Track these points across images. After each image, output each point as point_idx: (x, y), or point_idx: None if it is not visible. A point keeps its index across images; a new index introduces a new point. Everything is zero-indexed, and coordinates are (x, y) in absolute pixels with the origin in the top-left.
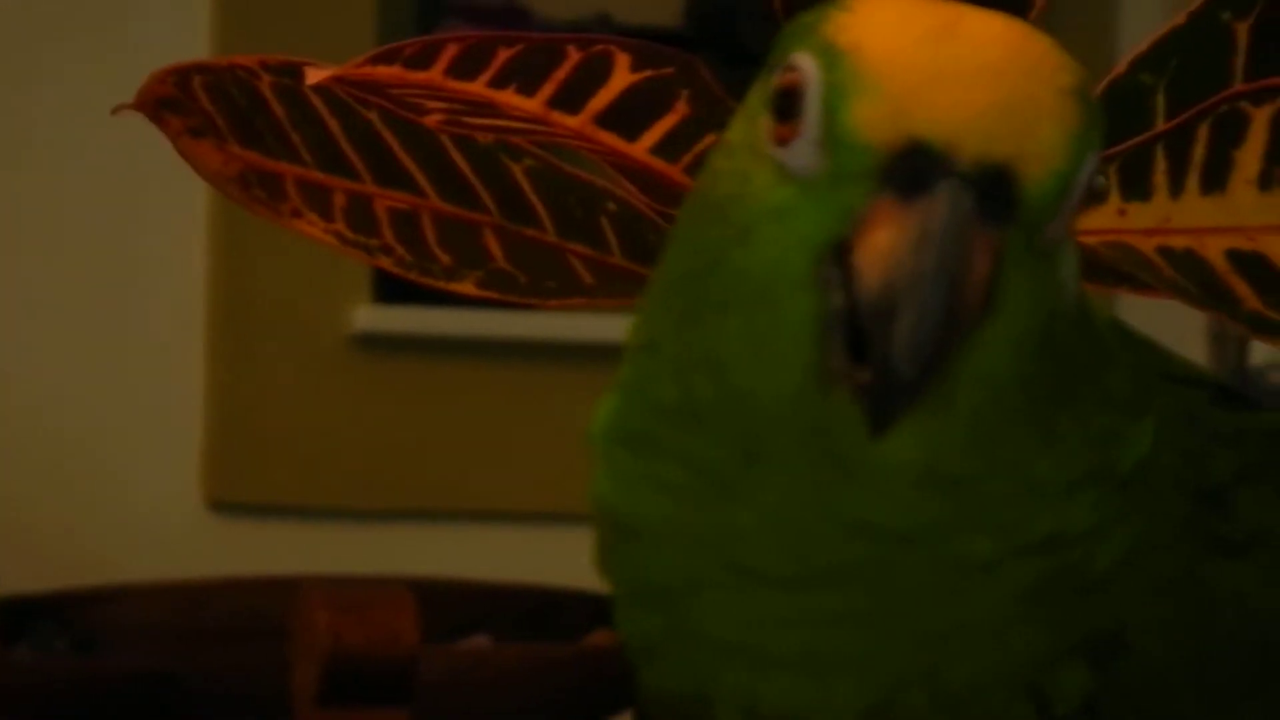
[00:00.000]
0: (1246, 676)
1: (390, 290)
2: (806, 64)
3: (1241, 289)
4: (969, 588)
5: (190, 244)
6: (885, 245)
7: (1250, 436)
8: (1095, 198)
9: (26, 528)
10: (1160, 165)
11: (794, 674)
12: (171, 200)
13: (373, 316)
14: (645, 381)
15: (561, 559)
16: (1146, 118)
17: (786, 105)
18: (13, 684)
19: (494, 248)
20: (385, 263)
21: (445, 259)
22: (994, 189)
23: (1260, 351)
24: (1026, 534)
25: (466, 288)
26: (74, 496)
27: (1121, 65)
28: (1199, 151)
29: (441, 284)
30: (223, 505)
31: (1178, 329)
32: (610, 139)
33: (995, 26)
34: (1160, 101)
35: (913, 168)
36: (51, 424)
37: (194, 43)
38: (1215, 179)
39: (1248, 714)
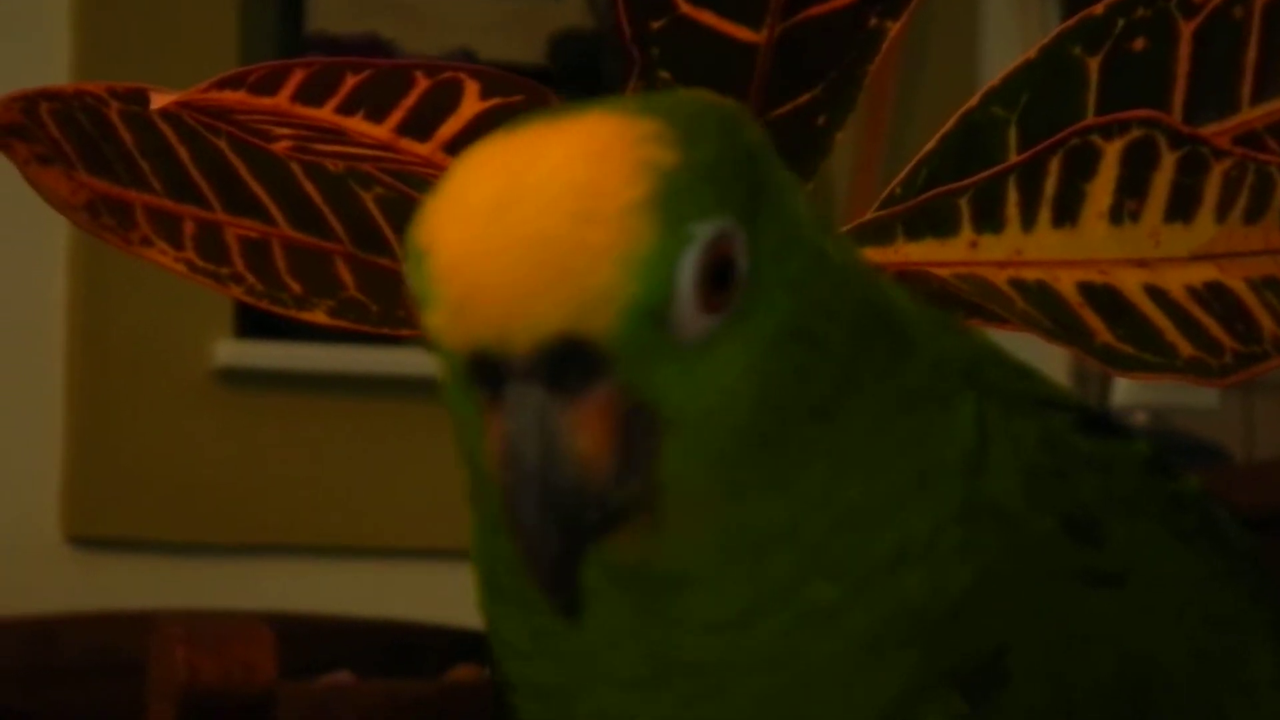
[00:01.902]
0: (1122, 715)
1: (252, 324)
2: (408, 270)
3: (1094, 321)
4: (809, 642)
5: (50, 273)
6: (489, 451)
7: (1121, 465)
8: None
9: None
10: (1013, 198)
11: None
12: (31, 229)
13: (234, 351)
14: (475, 526)
15: (422, 594)
16: (1000, 151)
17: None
18: None
19: (345, 276)
20: (236, 291)
21: (296, 287)
22: (566, 359)
23: (1123, 391)
24: (868, 560)
25: (318, 317)
26: None
27: (975, 99)
28: (1051, 185)
29: (293, 313)
30: (81, 539)
31: (1039, 366)
32: None
33: (558, 159)
34: (1013, 134)
35: (483, 373)
36: None
37: (53, 72)
38: (1067, 212)
39: None
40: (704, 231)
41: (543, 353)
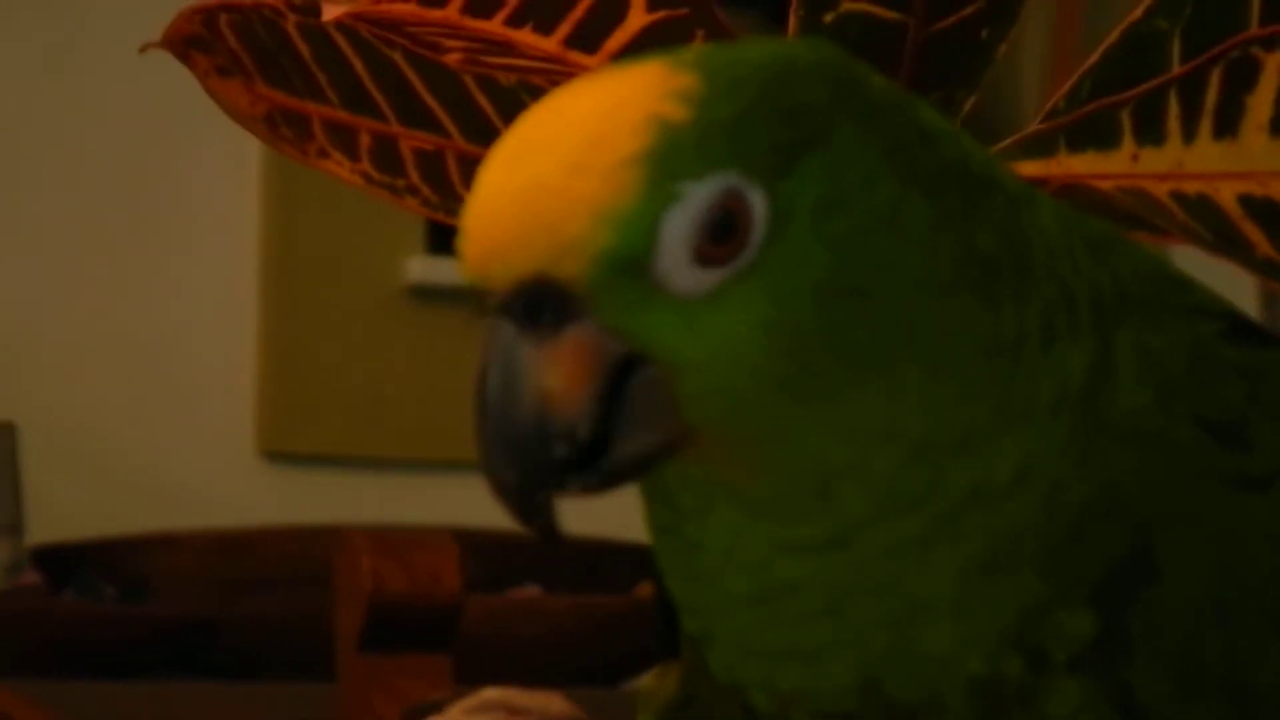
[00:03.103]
0: (1272, 617)
1: (443, 241)
2: None
3: (1254, 234)
4: (909, 569)
5: (244, 195)
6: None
7: (1271, 372)
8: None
9: (80, 475)
10: (1174, 110)
11: (792, 663)
12: (225, 150)
13: (425, 267)
14: None
15: (612, 512)
16: (1162, 63)
17: None
18: (58, 629)
19: None
20: (411, 203)
21: None
22: (540, 301)
23: None
24: (946, 495)
25: None
26: (129, 445)
27: (1138, 11)
28: (1211, 97)
29: None
30: (275, 455)
31: (1228, 290)
32: None
33: (580, 111)
34: (1175, 46)
35: (478, 302)
36: (106, 372)
37: None
38: (1227, 124)
39: (1274, 657)
40: (698, 189)
41: (516, 291)
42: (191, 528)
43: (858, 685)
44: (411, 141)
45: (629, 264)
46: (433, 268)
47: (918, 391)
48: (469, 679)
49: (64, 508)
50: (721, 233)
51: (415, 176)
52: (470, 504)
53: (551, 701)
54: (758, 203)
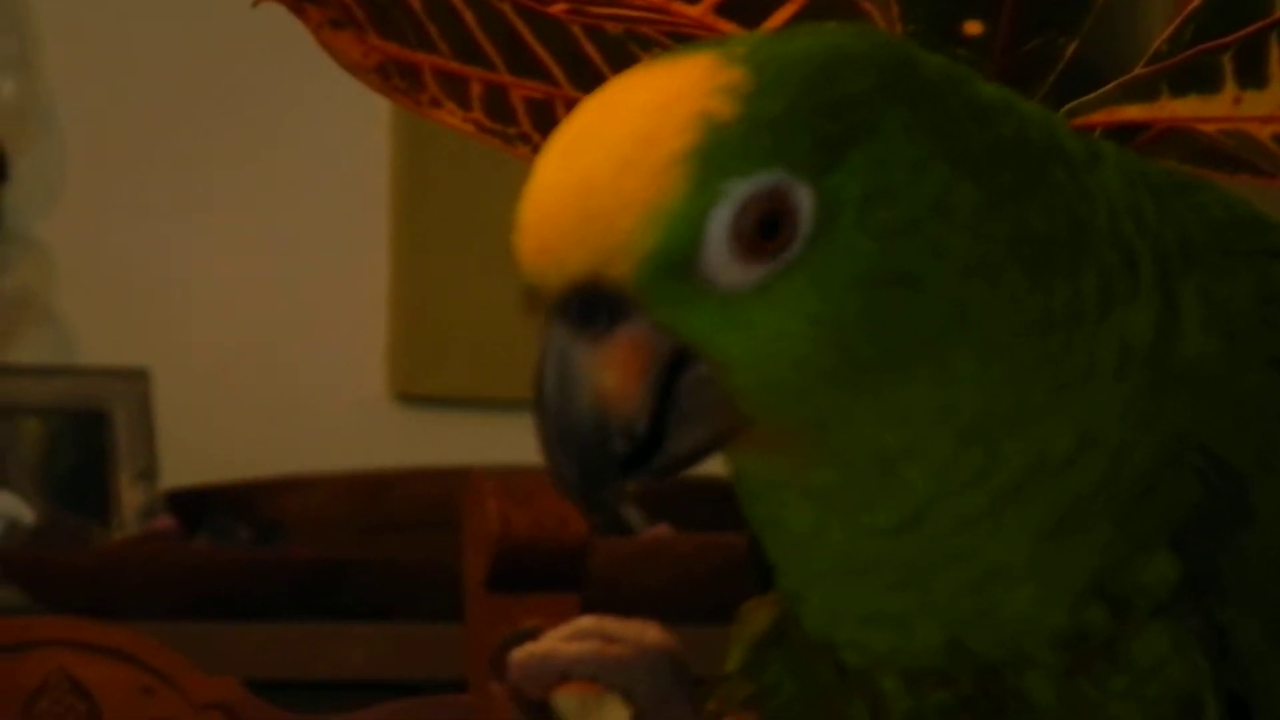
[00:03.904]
0: None
1: None
2: None
3: None
4: (982, 540)
5: (375, 140)
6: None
7: None
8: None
9: (214, 423)
10: (1275, 54)
11: (880, 627)
12: (355, 96)
13: None
14: None
15: None
16: (1264, 7)
17: None
18: (191, 573)
19: None
20: (522, 151)
21: None
22: (594, 301)
23: None
24: (1006, 469)
25: None
26: (260, 388)
27: None
28: None
29: None
30: (407, 397)
31: None
32: (730, 28)
33: (631, 105)
34: None
35: (533, 298)
36: (239, 317)
37: None
38: None
39: None
40: (744, 186)
41: (570, 293)
42: (324, 471)
43: (944, 645)
44: (521, 90)
45: (676, 262)
46: None
47: (969, 373)
48: None
49: (196, 452)
50: (767, 229)
51: (526, 124)
52: None
53: (647, 630)
54: (804, 198)
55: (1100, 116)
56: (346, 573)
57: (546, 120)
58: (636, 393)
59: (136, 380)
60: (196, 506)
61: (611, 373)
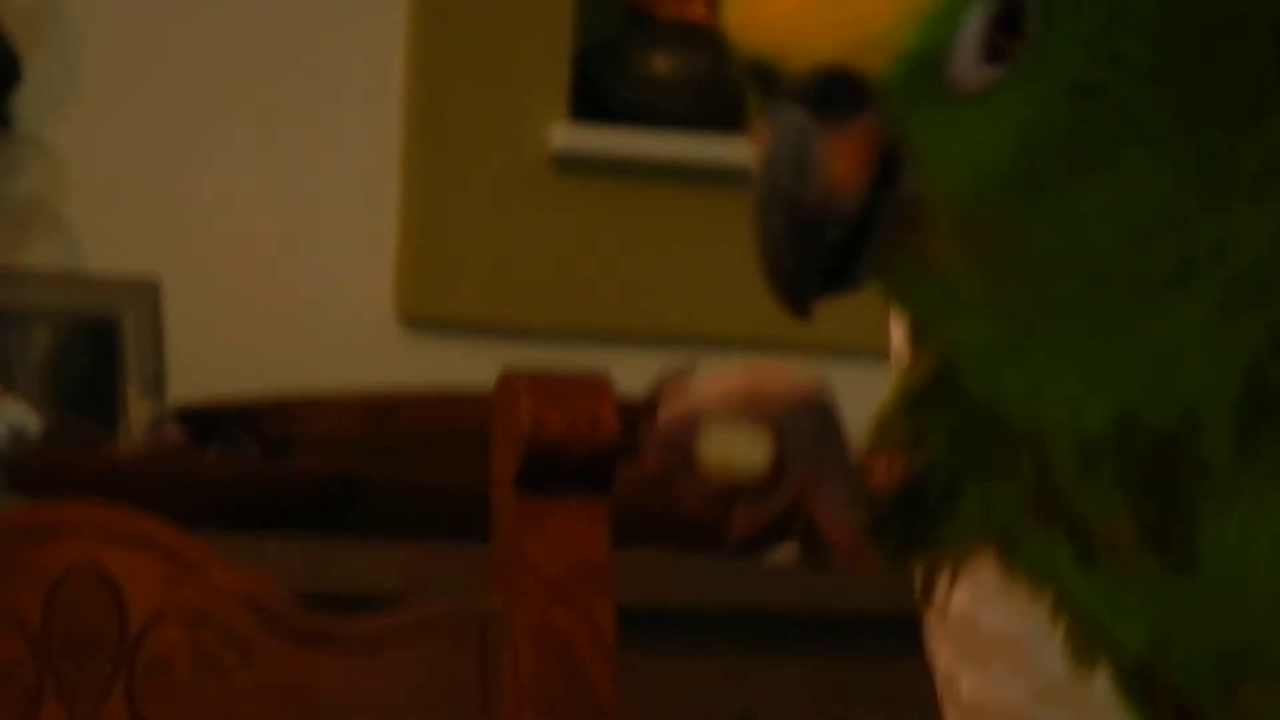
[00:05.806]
0: None
1: (587, 107)
2: None
3: None
4: (1147, 331)
5: (388, 60)
6: (755, 158)
7: None
8: None
9: (221, 337)
10: None
11: (1049, 403)
12: (370, 14)
13: (569, 135)
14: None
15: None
16: None
17: None
18: (201, 483)
19: None
20: None
21: None
22: (833, 89)
23: None
24: (1160, 270)
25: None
26: (268, 309)
27: None
28: None
29: None
30: (415, 321)
31: None
32: None
33: None
34: None
35: (760, 80)
36: (247, 238)
37: None
38: None
39: None
40: None
41: (812, 79)
42: (330, 389)
43: (1115, 419)
44: None
45: (927, 60)
46: (576, 135)
47: (1140, 181)
48: (622, 541)
49: (204, 365)
50: (1008, 28)
51: None
52: (610, 374)
53: (799, 373)
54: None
55: None
56: (361, 487)
57: None
58: (863, 183)
59: (146, 290)
60: (205, 421)
61: (844, 161)
